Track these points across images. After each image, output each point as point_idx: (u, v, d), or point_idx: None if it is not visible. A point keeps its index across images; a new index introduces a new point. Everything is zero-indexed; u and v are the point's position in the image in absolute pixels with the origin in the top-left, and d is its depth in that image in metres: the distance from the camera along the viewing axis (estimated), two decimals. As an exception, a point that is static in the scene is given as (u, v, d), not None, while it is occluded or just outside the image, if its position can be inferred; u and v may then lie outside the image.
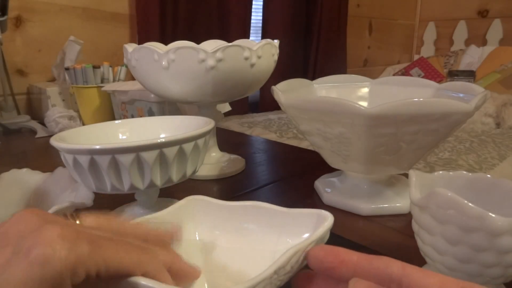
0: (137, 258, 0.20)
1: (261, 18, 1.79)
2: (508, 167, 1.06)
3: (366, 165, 0.41)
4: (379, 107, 0.34)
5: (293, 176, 0.56)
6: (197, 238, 0.30)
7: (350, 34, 2.11)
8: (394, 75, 2.26)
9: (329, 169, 0.49)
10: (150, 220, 0.27)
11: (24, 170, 0.44)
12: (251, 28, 1.72)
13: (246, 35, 1.66)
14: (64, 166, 0.39)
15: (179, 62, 0.47)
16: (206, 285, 0.27)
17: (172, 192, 0.48)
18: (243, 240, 0.29)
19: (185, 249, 0.28)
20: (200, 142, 0.37)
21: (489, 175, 0.31)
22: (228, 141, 0.82)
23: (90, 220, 0.22)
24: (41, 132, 0.89)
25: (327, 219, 0.24)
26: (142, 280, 0.20)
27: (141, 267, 0.20)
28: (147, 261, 0.21)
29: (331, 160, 0.45)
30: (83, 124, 0.91)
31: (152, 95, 0.70)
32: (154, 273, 0.21)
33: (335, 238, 0.38)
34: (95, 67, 0.90)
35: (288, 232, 0.27)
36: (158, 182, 0.35)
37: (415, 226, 0.29)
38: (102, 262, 0.18)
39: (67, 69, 0.91)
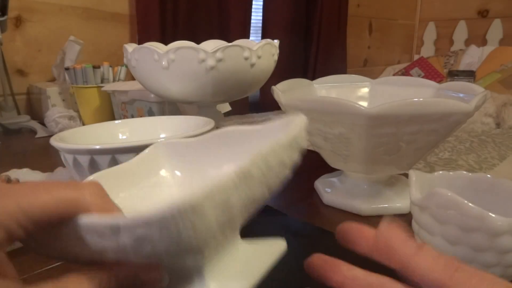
0: (65, 193, 0.16)
1: (261, 18, 1.79)
2: (508, 167, 1.06)
3: (366, 165, 0.41)
4: (379, 107, 0.34)
5: (293, 176, 0.56)
6: (174, 179, 0.28)
7: (350, 34, 2.11)
8: (394, 75, 2.26)
9: (329, 169, 0.49)
10: (110, 173, 0.25)
11: (24, 170, 0.44)
12: (251, 28, 1.72)
13: (246, 35, 1.66)
14: (64, 166, 0.39)
15: (179, 62, 0.47)
16: None
17: (172, 192, 0.48)
18: (221, 168, 0.27)
19: (164, 194, 0.27)
20: (200, 142, 0.37)
21: (489, 175, 0.31)
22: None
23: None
24: (41, 132, 0.89)
25: (299, 118, 0.22)
26: (83, 218, 0.16)
27: (74, 203, 0.16)
28: (79, 195, 0.17)
29: (331, 160, 0.45)
30: (83, 124, 0.91)
31: (152, 95, 0.70)
32: (93, 207, 0.17)
33: (335, 238, 0.38)
34: (95, 67, 0.90)
35: None
36: (158, 182, 0.35)
37: (415, 226, 0.29)
38: (17, 210, 0.15)
39: (67, 69, 0.91)
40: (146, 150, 0.28)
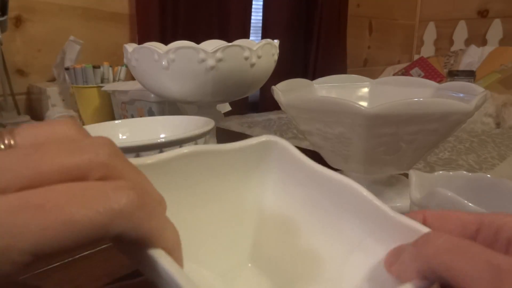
0: (92, 211, 0.12)
1: (261, 18, 1.79)
2: (508, 167, 1.06)
3: (366, 165, 0.41)
4: (379, 107, 0.34)
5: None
6: (261, 191, 0.24)
7: (350, 34, 2.11)
8: (394, 75, 2.26)
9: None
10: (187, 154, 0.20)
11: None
12: (251, 28, 1.72)
13: (246, 35, 1.66)
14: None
15: (179, 62, 0.47)
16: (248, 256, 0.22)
17: (172, 192, 0.48)
18: (314, 222, 0.22)
19: (242, 198, 0.23)
20: (200, 142, 0.37)
21: (489, 175, 0.31)
22: (228, 141, 0.81)
23: (27, 137, 0.13)
24: (41, 132, 0.89)
25: None
26: (166, 264, 0.13)
27: (105, 226, 0.12)
28: (113, 213, 0.12)
29: (331, 160, 0.45)
30: (83, 124, 0.91)
31: (152, 95, 0.70)
32: (158, 232, 0.13)
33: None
34: (95, 67, 0.90)
35: (377, 241, 0.19)
36: (158, 182, 0.35)
37: (415, 226, 0.29)
38: (17, 245, 0.11)
39: (67, 69, 0.91)
40: (260, 139, 0.23)
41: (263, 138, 0.24)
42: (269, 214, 0.24)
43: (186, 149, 0.20)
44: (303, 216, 0.23)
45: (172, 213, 0.15)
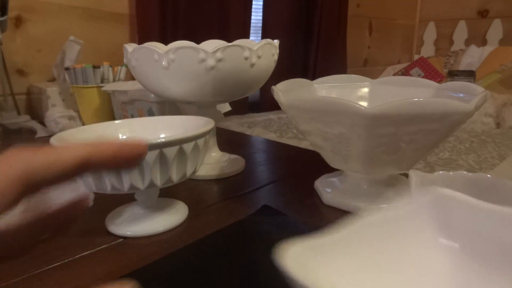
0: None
1: (261, 18, 1.79)
2: (508, 167, 1.06)
3: (366, 165, 0.41)
4: (379, 107, 0.34)
5: (293, 176, 0.56)
6: (442, 251, 0.22)
7: (350, 34, 2.11)
8: (394, 75, 2.26)
9: (329, 169, 0.49)
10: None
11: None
12: (251, 28, 1.72)
13: (246, 35, 1.66)
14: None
15: (179, 62, 0.47)
16: None
17: (172, 192, 0.48)
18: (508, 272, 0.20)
19: (422, 260, 0.22)
20: (200, 142, 0.37)
21: (489, 175, 0.31)
22: (228, 141, 0.82)
23: None
24: (41, 132, 0.89)
25: None
26: None
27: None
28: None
29: (331, 160, 0.45)
30: (83, 124, 0.91)
31: (152, 95, 0.70)
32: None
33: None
34: (95, 67, 0.90)
35: None
36: (158, 182, 0.35)
37: (415, 226, 0.29)
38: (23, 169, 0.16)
39: (67, 69, 0.91)
40: (426, 198, 0.22)
41: (429, 195, 0.22)
42: (452, 270, 0.22)
43: (362, 219, 0.21)
44: (491, 267, 0.21)
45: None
